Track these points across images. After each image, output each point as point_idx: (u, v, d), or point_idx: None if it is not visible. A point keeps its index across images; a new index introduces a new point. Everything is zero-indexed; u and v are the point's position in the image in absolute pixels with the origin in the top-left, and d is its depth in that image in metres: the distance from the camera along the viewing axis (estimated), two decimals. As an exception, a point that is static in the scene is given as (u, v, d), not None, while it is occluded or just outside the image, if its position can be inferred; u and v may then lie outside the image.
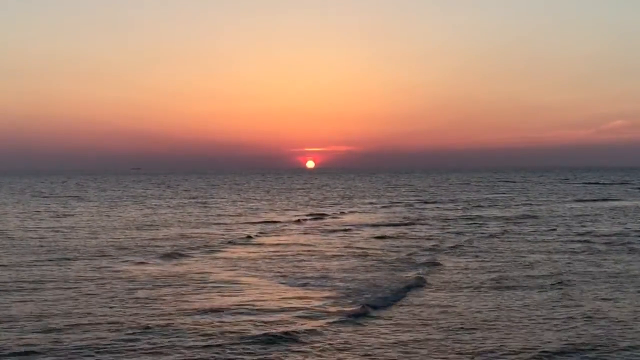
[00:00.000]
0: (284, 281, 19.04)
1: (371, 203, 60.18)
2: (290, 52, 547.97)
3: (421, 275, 19.76)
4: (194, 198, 68.81)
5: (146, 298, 16.49)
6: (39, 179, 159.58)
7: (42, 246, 26.95)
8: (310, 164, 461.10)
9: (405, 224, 37.84)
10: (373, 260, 23.33)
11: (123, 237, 30.89)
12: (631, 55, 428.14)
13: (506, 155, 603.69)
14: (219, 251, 25.98)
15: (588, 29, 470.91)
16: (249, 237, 31.01)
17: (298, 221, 40.23)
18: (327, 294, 17.12)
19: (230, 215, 44.80)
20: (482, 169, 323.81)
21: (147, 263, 22.68)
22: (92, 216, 43.58)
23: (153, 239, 29.98)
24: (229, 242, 28.74)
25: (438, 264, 22.23)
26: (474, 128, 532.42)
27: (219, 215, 45.21)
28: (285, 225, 37.45)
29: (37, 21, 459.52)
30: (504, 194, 76.33)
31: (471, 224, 37.89)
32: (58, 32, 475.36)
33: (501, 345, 12.34)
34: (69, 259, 23.21)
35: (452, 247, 27.01)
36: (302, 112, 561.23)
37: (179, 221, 39.86)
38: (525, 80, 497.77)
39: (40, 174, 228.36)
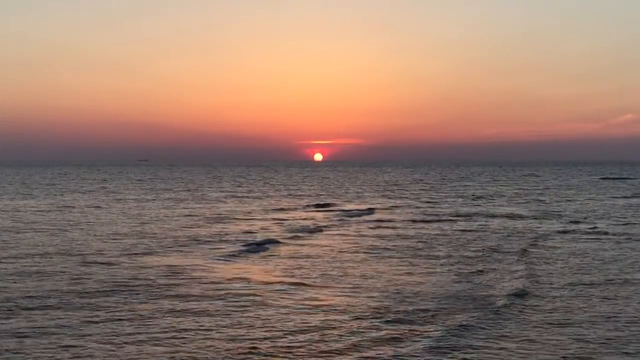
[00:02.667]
0: (373, 293, 16.74)
1: (400, 197, 59.15)
2: (299, 44, 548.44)
3: (521, 277, 18.91)
4: (227, 192, 67.93)
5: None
6: (52, 170, 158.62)
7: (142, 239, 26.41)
8: (318, 157, 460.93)
9: (452, 220, 36.65)
10: (450, 261, 22.13)
11: (183, 232, 30.20)
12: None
13: (514, 148, 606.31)
14: (277, 250, 24.95)
15: (598, 22, 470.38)
16: (298, 235, 29.73)
17: (341, 219, 38.04)
18: (422, 302, 15.73)
19: (263, 211, 43.86)
20: (491, 163, 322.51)
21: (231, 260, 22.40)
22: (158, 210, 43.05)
23: (218, 234, 29.36)
24: (284, 240, 28.02)
25: (528, 263, 21.46)
26: (483, 121, 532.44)
27: (251, 211, 44.55)
28: (331, 223, 35.56)
29: (44, 11, 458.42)
30: (534, 189, 75.02)
31: (526, 220, 37.00)
32: (64, 22, 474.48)
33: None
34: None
35: (529, 244, 26.23)
36: (310, 105, 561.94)
37: (227, 217, 38.72)
38: (534, 74, 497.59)
39: (46, 166, 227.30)
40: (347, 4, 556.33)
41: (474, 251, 24.40)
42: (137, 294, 16.27)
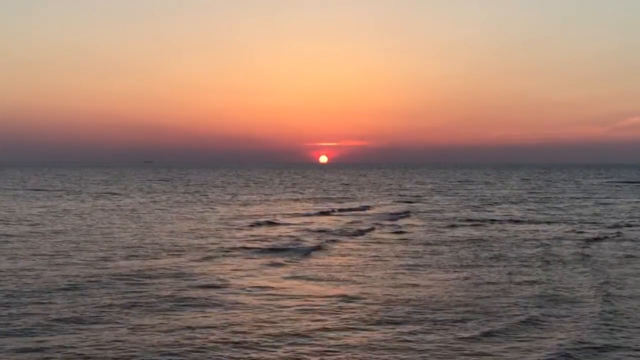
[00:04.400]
0: (450, 303, 16.02)
1: (419, 201, 58.39)
2: (305, 45, 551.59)
3: (599, 283, 18.44)
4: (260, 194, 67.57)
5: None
6: (62, 171, 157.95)
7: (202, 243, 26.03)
8: (323, 159, 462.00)
9: (482, 225, 35.80)
10: (513, 267, 21.62)
11: (234, 236, 29.83)
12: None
13: (521, 151, 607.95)
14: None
15: (605, 25, 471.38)
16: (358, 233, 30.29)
17: (376, 223, 37.04)
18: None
19: (291, 215, 43.44)
20: (497, 165, 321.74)
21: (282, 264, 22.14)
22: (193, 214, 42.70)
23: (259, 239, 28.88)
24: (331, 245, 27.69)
25: (595, 269, 20.99)
26: (489, 124, 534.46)
27: (282, 214, 44.19)
28: (365, 226, 34.73)
29: (52, 12, 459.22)
30: (543, 190, 74.35)
31: (564, 223, 36.51)
32: (72, 23, 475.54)
33: None
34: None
35: (582, 250, 25.68)
36: (316, 106, 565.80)
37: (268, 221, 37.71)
38: (541, 77, 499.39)
39: (51, 167, 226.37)
40: (354, 5, 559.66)
41: (526, 257, 23.90)
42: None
